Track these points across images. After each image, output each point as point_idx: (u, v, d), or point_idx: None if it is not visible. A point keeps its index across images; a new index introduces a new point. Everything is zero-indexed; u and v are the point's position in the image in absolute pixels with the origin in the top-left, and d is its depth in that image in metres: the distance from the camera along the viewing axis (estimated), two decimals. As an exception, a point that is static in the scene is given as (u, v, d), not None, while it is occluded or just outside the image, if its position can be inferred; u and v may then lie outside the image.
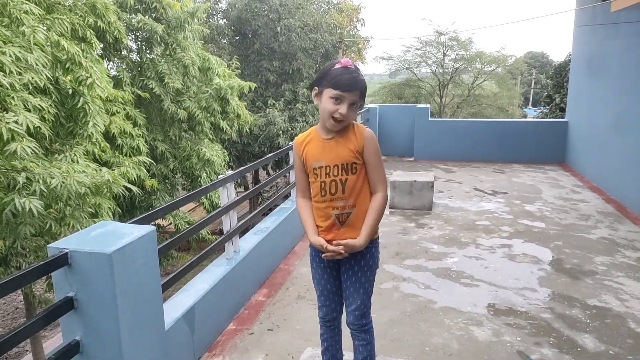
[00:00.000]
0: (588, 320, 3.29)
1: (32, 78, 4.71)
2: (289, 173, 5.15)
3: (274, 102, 15.50)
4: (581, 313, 3.40)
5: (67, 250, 1.79)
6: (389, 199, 6.28)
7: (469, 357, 2.85)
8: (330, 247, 1.92)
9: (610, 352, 2.91)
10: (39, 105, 4.82)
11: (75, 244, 1.83)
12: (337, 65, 1.88)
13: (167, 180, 9.23)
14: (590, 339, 3.05)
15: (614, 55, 6.89)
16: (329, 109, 1.86)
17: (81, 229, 4.87)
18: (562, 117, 10.84)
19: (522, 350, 2.93)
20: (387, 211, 5.90)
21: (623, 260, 4.37)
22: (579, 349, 2.94)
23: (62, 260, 1.78)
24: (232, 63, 11.53)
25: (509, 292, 3.75)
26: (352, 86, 1.83)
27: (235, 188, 3.62)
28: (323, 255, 1.96)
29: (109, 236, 1.94)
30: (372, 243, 2.02)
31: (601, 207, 6.16)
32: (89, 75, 5.57)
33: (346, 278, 2.03)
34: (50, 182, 4.56)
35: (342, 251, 1.91)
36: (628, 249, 4.66)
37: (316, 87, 1.92)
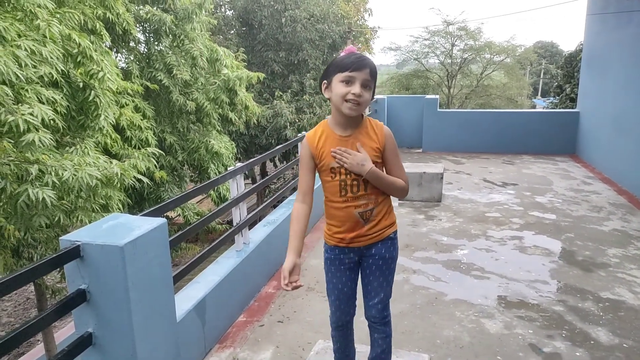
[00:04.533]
0: (601, 313, 3.26)
1: (49, 72, 4.74)
2: (297, 165, 5.14)
3: (281, 93, 15.43)
4: (594, 306, 3.36)
5: (79, 243, 1.79)
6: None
7: (481, 350, 2.83)
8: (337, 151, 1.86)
9: (624, 345, 2.88)
10: (52, 97, 4.84)
11: (87, 237, 1.83)
12: (342, 53, 1.84)
13: (175, 172, 9.25)
14: (603, 332, 3.02)
15: (626, 44, 6.76)
16: (341, 92, 1.77)
17: (89, 221, 4.92)
18: (572, 108, 10.70)
19: (534, 343, 2.91)
20: (395, 203, 5.87)
21: (636, 252, 4.31)
22: (592, 342, 2.91)
23: (74, 253, 1.78)
24: (239, 55, 11.48)
25: (520, 284, 3.72)
26: (360, 64, 1.76)
27: (244, 180, 3.62)
28: (332, 152, 1.86)
29: (120, 228, 1.94)
30: (394, 235, 2.01)
31: (613, 198, 6.09)
32: (100, 69, 5.57)
33: (369, 273, 1.98)
34: (62, 174, 4.59)
35: (347, 155, 1.84)
36: (641, 241, 4.61)
37: (325, 81, 1.85)
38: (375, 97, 10.22)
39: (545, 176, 7.35)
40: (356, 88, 1.76)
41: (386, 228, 1.96)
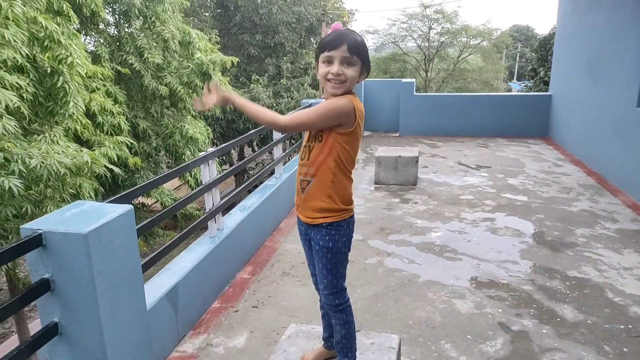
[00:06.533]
0: (568, 291, 3.36)
1: (13, 57, 4.55)
2: (273, 149, 5.10)
3: (257, 77, 15.27)
4: (561, 284, 3.46)
5: (41, 231, 1.74)
6: (374, 174, 6.25)
7: (451, 330, 2.90)
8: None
9: (589, 321, 2.98)
10: (17, 83, 4.67)
11: (50, 225, 1.78)
12: (329, 32, 1.86)
13: (150, 159, 9.10)
14: (569, 310, 3.12)
15: (596, 27, 6.87)
16: (322, 72, 1.83)
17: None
18: (546, 91, 10.87)
19: (503, 321, 2.99)
20: (372, 187, 5.90)
21: (602, 232, 4.44)
22: (558, 320, 3.00)
23: (36, 242, 1.73)
24: (212, 38, 11.27)
25: (491, 265, 3.80)
26: (336, 42, 1.78)
27: (221, 165, 3.58)
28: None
29: (84, 216, 1.89)
30: (331, 226, 1.89)
31: (583, 180, 6.24)
32: (69, 54, 5.40)
33: (314, 255, 2.00)
34: (29, 162, 4.46)
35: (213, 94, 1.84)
36: (607, 220, 4.74)
37: (315, 62, 1.91)
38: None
39: (518, 159, 7.48)
40: (334, 67, 1.79)
41: (317, 214, 1.89)
